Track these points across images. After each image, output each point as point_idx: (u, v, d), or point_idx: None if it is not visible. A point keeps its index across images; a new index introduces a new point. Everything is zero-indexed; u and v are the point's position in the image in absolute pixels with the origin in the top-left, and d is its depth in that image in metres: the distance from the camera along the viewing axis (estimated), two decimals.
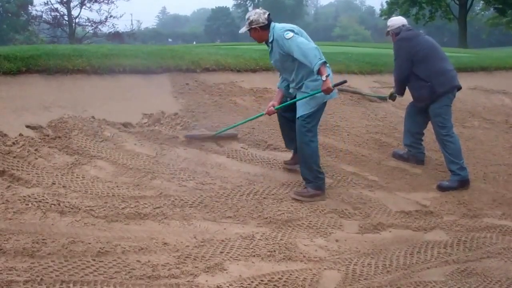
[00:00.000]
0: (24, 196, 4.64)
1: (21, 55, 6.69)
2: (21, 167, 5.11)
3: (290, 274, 4.01)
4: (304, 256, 4.32)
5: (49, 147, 5.56)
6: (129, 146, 5.97)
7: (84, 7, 43.54)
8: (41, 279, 3.52)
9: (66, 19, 43.55)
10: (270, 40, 5.57)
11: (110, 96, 6.77)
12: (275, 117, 6.27)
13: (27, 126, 5.81)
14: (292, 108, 5.74)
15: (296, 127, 5.63)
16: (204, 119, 6.88)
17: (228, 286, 3.76)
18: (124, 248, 4.09)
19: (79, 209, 4.59)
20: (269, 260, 4.20)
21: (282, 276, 3.96)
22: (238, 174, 5.84)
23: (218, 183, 5.54)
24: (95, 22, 43.56)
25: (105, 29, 44.32)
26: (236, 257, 4.19)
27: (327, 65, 5.29)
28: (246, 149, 6.47)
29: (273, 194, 5.49)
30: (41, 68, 6.69)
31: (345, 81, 5.84)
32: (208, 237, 4.45)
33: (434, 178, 6.55)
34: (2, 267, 3.61)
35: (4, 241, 3.93)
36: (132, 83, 7.14)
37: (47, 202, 4.60)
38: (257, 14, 5.54)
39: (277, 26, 5.53)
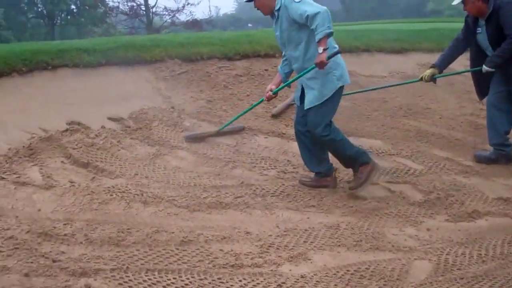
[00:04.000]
0: (108, 187, 5.01)
1: (100, 48, 7.14)
2: (105, 158, 5.51)
3: (378, 264, 4.10)
4: (392, 246, 4.39)
5: (130, 138, 5.95)
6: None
7: None
8: (127, 267, 3.81)
9: (143, 9, 44.59)
10: (277, 8, 5.13)
11: (188, 85, 7.09)
12: None
13: (109, 118, 6.24)
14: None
15: (308, 120, 5.27)
16: None
17: (312, 276, 3.91)
18: (207, 237, 4.33)
19: (162, 199, 4.90)
20: (355, 250, 4.31)
21: (369, 266, 4.06)
22: None
23: (301, 171, 5.70)
24: (172, 11, 43.83)
25: (182, 17, 44.61)
26: (321, 246, 4.33)
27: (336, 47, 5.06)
28: None
29: None
30: (120, 60, 7.11)
31: (339, 51, 5.08)
32: (291, 227, 4.62)
33: None
34: (89, 256, 3.94)
35: (91, 231, 4.27)
36: (210, 70, 7.43)
37: (130, 193, 4.94)
38: None
39: None
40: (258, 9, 5.24)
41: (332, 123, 5.26)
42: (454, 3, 6.06)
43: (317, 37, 4.77)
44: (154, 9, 44.09)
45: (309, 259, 4.13)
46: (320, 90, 5.12)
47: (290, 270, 3.97)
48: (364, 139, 6.68)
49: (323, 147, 5.42)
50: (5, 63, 6.60)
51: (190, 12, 44.32)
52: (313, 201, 5.13)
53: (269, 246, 4.26)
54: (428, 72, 6.35)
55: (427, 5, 64.73)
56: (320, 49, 4.79)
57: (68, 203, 4.68)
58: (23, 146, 5.47)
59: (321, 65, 4.86)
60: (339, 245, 4.36)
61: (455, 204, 5.28)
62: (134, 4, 43.41)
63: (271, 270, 3.94)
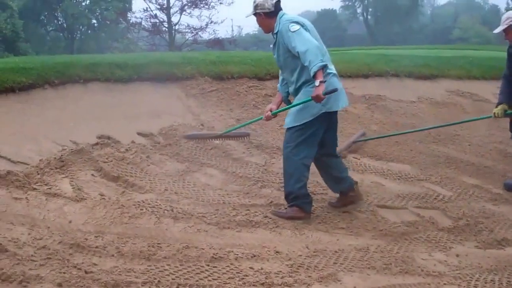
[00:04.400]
0: (139, 202, 5.07)
1: (132, 63, 7.28)
2: (134, 173, 5.59)
3: None
4: (422, 270, 4.40)
5: (160, 154, 6.03)
6: (238, 154, 6.33)
7: (184, 13, 44.47)
8: (158, 281, 3.85)
9: (166, 25, 44.92)
10: (275, 31, 5.25)
11: (218, 103, 7.19)
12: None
13: (139, 133, 6.33)
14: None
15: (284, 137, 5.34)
16: None
17: None
18: (237, 254, 4.36)
19: (192, 215, 4.95)
20: (385, 273, 4.32)
21: None
22: None
23: (330, 193, 5.73)
24: (195, 29, 43.67)
25: (205, 35, 44.87)
26: (350, 268, 4.34)
27: (335, 74, 5.18)
28: (359, 159, 6.63)
29: (387, 206, 5.61)
30: (151, 75, 7.23)
31: (336, 89, 5.02)
32: (320, 248, 4.65)
33: None
34: (121, 269, 3.99)
35: (121, 244, 4.33)
36: (239, 89, 7.53)
37: (160, 208, 5.00)
38: None
39: (285, 17, 5.20)
40: (259, 26, 5.39)
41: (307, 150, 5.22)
42: (496, 31, 6.14)
43: (312, 72, 4.83)
44: (176, 27, 44.43)
45: (339, 280, 4.15)
46: (300, 112, 5.15)
47: None
48: (393, 163, 6.71)
49: (336, 166, 5.48)
50: (38, 75, 6.76)
51: (214, 30, 43.93)
52: (343, 223, 5.15)
53: (299, 266, 4.29)
54: (499, 108, 6.32)
55: (453, 32, 64.74)
56: (317, 82, 4.83)
57: (98, 216, 4.75)
58: (54, 158, 5.57)
59: (317, 98, 4.89)
60: (369, 268, 4.38)
61: (484, 231, 5.29)
62: (157, 21, 43.76)
63: None
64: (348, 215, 5.33)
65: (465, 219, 5.45)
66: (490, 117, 6.57)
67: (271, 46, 5.44)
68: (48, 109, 6.41)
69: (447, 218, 5.50)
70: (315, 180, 5.98)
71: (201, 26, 43.55)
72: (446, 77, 9.81)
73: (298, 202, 5.19)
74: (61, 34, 48.04)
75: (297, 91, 5.25)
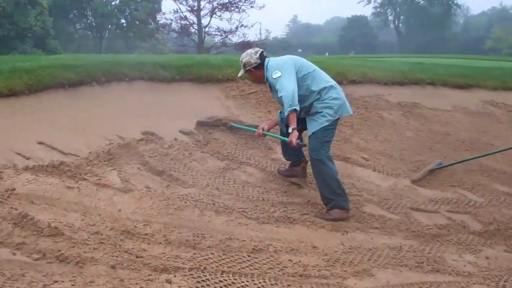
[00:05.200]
0: (182, 195, 5.41)
1: (176, 64, 7.64)
2: (178, 168, 5.93)
3: (438, 285, 4.38)
4: (452, 270, 4.67)
5: (201, 152, 6.38)
6: (277, 155, 6.63)
7: (214, 15, 44.66)
8: (204, 268, 4.17)
9: (196, 27, 45.21)
10: (265, 79, 5.88)
11: (257, 105, 7.52)
12: None
13: (181, 131, 6.67)
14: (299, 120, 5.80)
15: (308, 146, 5.75)
16: (352, 131, 7.39)
17: None
18: (276, 247, 4.68)
19: (233, 209, 5.28)
20: (417, 271, 4.60)
21: (430, 286, 4.35)
22: (385, 188, 6.29)
23: (365, 195, 6.03)
24: (225, 32, 43.93)
25: (234, 38, 44.40)
26: (384, 265, 4.63)
27: (332, 86, 5.72)
28: (393, 163, 6.89)
29: (420, 209, 5.88)
30: (193, 76, 7.59)
31: (304, 145, 5.80)
32: (355, 245, 4.94)
33: None
34: (168, 255, 4.31)
35: (168, 233, 4.66)
36: None
37: (203, 202, 5.34)
38: (248, 55, 5.90)
39: (270, 63, 5.81)
40: (253, 81, 6.05)
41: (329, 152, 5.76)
42: None
43: (285, 115, 5.52)
44: (206, 29, 44.54)
45: (373, 275, 4.44)
46: (318, 120, 5.67)
47: (355, 284, 4.28)
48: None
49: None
50: (86, 72, 7.14)
51: (243, 34, 44.06)
52: (377, 223, 5.44)
53: (335, 261, 4.59)
54: None
55: (485, 42, 64.31)
56: (290, 129, 5.50)
57: (146, 206, 5.09)
58: (103, 151, 5.92)
59: (290, 144, 5.54)
60: (401, 265, 4.66)
61: None
62: (187, 23, 43.80)
63: (337, 282, 4.26)
64: (382, 216, 5.61)
65: (496, 224, 5.70)
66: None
67: (271, 92, 6.01)
68: (95, 105, 6.77)
69: (477, 223, 5.75)
70: (350, 182, 6.27)
71: (230, 29, 43.67)
72: (481, 87, 10.01)
73: (338, 202, 5.50)
74: (90, 33, 48.62)
75: (307, 112, 5.80)
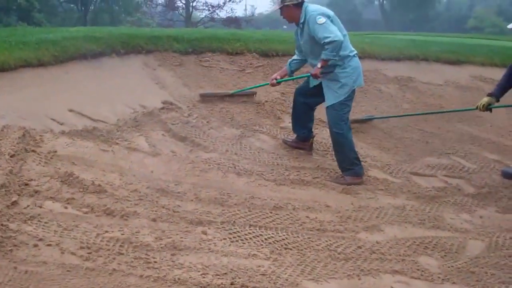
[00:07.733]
0: (205, 159, 5.89)
1: (188, 37, 8.05)
2: (198, 135, 6.40)
3: (439, 239, 4.88)
4: (451, 227, 5.18)
5: (218, 120, 6.82)
6: (286, 124, 7.10)
7: None
8: (234, 221, 4.65)
9: (183, 1, 44.85)
10: (301, 21, 5.84)
11: (264, 78, 7.96)
12: None
13: (198, 101, 7.12)
14: (316, 94, 6.18)
15: (327, 117, 6.03)
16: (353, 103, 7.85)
17: (385, 243, 4.70)
18: (294, 206, 5.17)
19: (252, 172, 5.76)
20: (420, 227, 5.10)
21: (432, 240, 4.85)
22: (386, 155, 6.81)
23: (369, 161, 6.53)
24: (212, 6, 44.05)
25: (222, 13, 44.78)
26: (391, 222, 5.13)
27: (356, 54, 5.95)
28: (390, 130, 7.41)
29: (419, 174, 6.41)
30: (204, 49, 8.01)
31: (331, 71, 5.87)
32: (364, 204, 5.45)
33: None
34: (201, 211, 4.80)
35: (198, 191, 5.14)
36: (284, 65, 8.27)
37: (225, 165, 5.81)
38: None
39: (309, 8, 5.78)
40: (283, 17, 6.04)
41: (348, 122, 6.05)
42: (510, 26, 6.57)
43: (322, 56, 5.67)
44: (194, 3, 44.55)
45: (382, 230, 4.94)
46: (338, 91, 5.92)
47: (367, 237, 4.78)
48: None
49: (311, 117, 6.53)
50: (106, 44, 7.53)
51: (231, 9, 43.97)
52: (381, 185, 5.94)
53: (347, 218, 5.09)
54: (485, 101, 6.27)
55: (468, 22, 64.71)
56: (319, 65, 5.72)
57: (174, 168, 5.56)
58: (129, 118, 6.37)
59: (315, 76, 5.84)
60: (406, 222, 5.16)
61: (504, 198, 6.05)
62: None
63: (351, 236, 4.75)
64: (386, 179, 6.11)
65: (487, 188, 6.21)
66: (473, 109, 6.65)
67: (296, 32, 6.18)
68: (117, 75, 7.17)
69: (471, 186, 6.26)
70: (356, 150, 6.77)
71: (218, 4, 43.87)
72: (471, 63, 10.47)
73: (355, 170, 5.95)
74: (74, 6, 47.96)
75: (326, 73, 5.88)
